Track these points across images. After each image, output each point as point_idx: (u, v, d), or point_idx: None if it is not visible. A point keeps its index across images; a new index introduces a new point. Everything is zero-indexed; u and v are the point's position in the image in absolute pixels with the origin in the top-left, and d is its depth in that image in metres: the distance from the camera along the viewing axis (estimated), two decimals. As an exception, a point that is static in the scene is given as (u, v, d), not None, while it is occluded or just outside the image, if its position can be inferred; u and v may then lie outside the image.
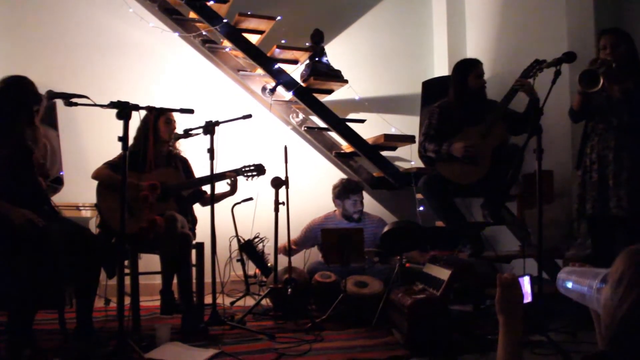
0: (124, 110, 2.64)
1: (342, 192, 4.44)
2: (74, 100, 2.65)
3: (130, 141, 3.42)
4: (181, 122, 3.71)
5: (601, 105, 3.33)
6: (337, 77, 4.98)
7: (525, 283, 1.57)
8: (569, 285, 1.35)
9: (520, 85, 3.69)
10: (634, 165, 3.18)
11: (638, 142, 3.21)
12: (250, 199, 4.26)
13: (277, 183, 3.71)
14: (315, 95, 4.93)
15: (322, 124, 5.07)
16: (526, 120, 3.70)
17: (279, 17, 4.81)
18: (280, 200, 3.71)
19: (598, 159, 3.30)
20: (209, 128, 3.31)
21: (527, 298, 1.57)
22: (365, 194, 4.64)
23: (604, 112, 3.32)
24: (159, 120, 3.63)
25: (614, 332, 1.02)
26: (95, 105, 2.65)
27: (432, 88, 5.11)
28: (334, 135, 5.15)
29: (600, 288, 1.18)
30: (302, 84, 4.91)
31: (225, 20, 4.63)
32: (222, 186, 3.68)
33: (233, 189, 3.71)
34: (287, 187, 3.72)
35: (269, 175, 3.74)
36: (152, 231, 3.17)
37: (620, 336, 1.01)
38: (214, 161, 3.31)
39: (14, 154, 2.83)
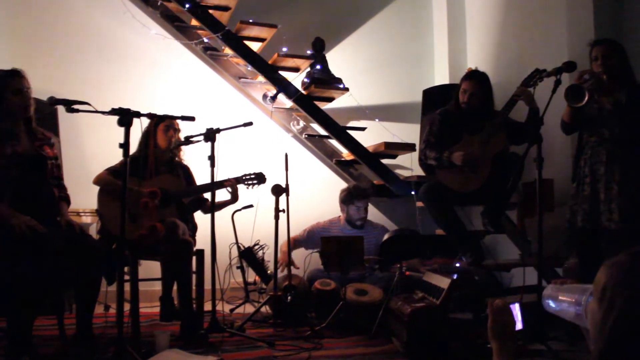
0: (125, 117, 2.64)
1: (347, 197, 4.45)
2: (76, 106, 2.66)
3: (134, 148, 3.46)
4: (182, 129, 3.72)
5: (593, 117, 3.33)
6: (337, 85, 4.99)
7: (516, 310, 1.57)
8: (555, 305, 1.35)
9: (520, 93, 3.71)
10: (624, 178, 3.17)
11: (629, 154, 3.20)
12: (251, 206, 4.26)
13: (278, 190, 3.72)
14: (316, 102, 4.95)
15: (322, 132, 5.08)
16: (526, 130, 3.71)
17: (280, 25, 4.83)
18: (281, 208, 3.71)
19: (590, 172, 3.30)
20: (210, 135, 3.31)
21: (518, 324, 1.58)
22: (365, 201, 4.64)
23: (596, 124, 3.32)
24: (158, 128, 3.64)
25: (604, 345, 1.02)
26: (96, 112, 2.65)
27: (433, 96, 5.12)
28: (334, 142, 5.16)
29: (589, 303, 1.18)
30: (303, 91, 4.92)
31: (226, 28, 4.65)
32: (223, 194, 3.68)
33: (234, 198, 3.71)
34: (287, 195, 3.73)
35: (269, 183, 3.75)
36: (151, 237, 3.17)
37: (610, 349, 1.01)
38: (215, 168, 3.31)
39: (29, 159, 2.86)
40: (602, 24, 4.06)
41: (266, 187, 3.76)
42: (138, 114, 2.72)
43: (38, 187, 2.90)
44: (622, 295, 1.00)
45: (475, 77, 4.00)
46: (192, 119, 3.07)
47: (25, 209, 2.73)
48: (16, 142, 2.85)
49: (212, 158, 3.29)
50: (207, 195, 3.73)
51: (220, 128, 3.35)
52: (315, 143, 5.18)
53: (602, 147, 3.28)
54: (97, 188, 3.47)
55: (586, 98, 3.06)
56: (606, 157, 3.24)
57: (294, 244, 4.41)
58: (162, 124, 3.63)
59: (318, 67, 4.97)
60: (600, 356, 1.03)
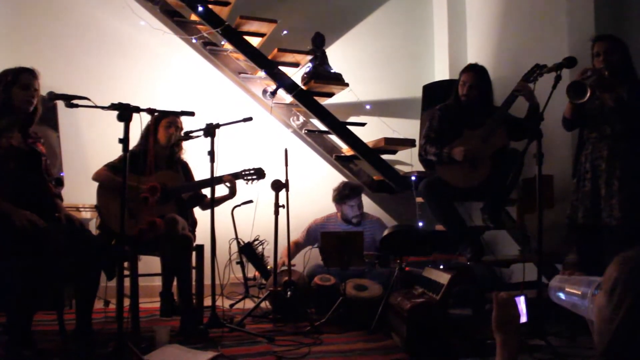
0: (124, 112, 2.64)
1: (338, 197, 4.47)
2: (75, 101, 2.65)
3: (133, 143, 3.45)
4: (184, 127, 3.72)
5: (594, 113, 3.33)
6: (337, 80, 4.98)
7: (521, 303, 1.57)
8: (561, 295, 1.35)
9: (520, 88, 3.70)
10: (625, 174, 3.17)
11: (630, 151, 3.20)
12: (250, 201, 4.26)
13: (278, 186, 3.71)
14: (316, 98, 4.94)
15: (322, 127, 5.07)
16: (526, 126, 3.71)
17: (280, 20, 4.82)
18: (281, 203, 3.71)
19: (591, 168, 3.30)
20: (210, 130, 3.30)
21: (523, 318, 1.57)
22: (365, 197, 4.64)
23: (597, 120, 3.32)
24: (159, 124, 3.64)
25: (610, 340, 1.02)
26: (96, 107, 2.65)
27: (433, 92, 5.11)
28: (334, 138, 5.16)
29: (595, 296, 1.17)
30: (303, 87, 4.92)
31: (226, 23, 4.63)
32: (222, 189, 3.68)
33: (232, 193, 3.70)
34: (287, 190, 3.72)
35: (269, 178, 3.74)
36: (151, 233, 3.17)
37: (616, 344, 1.01)
38: (215, 164, 3.31)
39: (25, 153, 2.85)
40: (603, 20, 4.05)
41: (266, 183, 3.76)
42: (137, 109, 2.72)
43: (36, 182, 2.89)
44: (632, 292, 1.00)
45: (474, 69, 4.00)
46: (191, 114, 3.07)
47: (25, 204, 2.73)
48: (10, 136, 2.85)
49: (211, 153, 3.29)
50: (204, 191, 3.73)
51: (220, 123, 3.35)
52: (315, 138, 5.17)
53: (603, 143, 3.28)
54: (96, 183, 3.47)
55: (588, 95, 3.06)
56: (607, 154, 3.24)
57: (295, 248, 4.42)
58: (165, 120, 3.63)
59: (318, 62, 4.96)
60: (607, 351, 1.02)
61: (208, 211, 3.36)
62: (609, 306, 1.04)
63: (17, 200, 2.73)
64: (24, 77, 2.87)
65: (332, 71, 4.99)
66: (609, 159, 3.23)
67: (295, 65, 5.05)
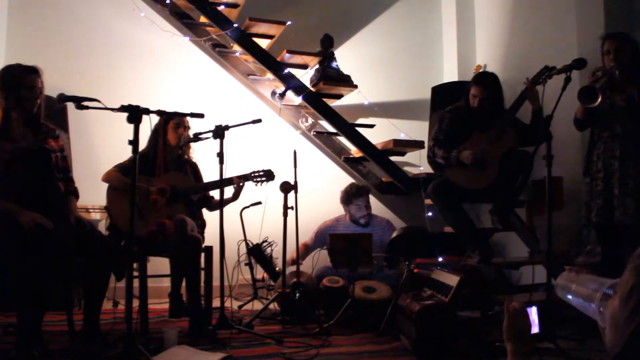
0: (134, 114, 2.65)
1: (345, 197, 4.48)
2: (85, 103, 2.66)
3: (143, 145, 3.47)
4: (191, 126, 3.74)
5: (605, 112, 3.31)
6: (346, 82, 4.99)
7: (533, 313, 1.56)
8: (567, 295, 1.34)
9: (528, 87, 3.68)
10: (639, 173, 3.16)
11: None
12: (259, 203, 4.26)
13: (286, 187, 3.72)
14: (325, 100, 4.95)
15: (331, 129, 5.07)
16: (533, 130, 3.68)
17: (289, 22, 4.84)
18: (289, 205, 3.71)
19: (604, 167, 3.29)
20: (219, 132, 3.31)
21: (535, 328, 1.56)
22: (374, 199, 4.63)
23: (608, 119, 3.31)
24: (167, 125, 3.65)
25: (623, 346, 1.00)
26: (106, 108, 2.66)
27: (442, 93, 5.11)
28: (343, 140, 5.16)
29: (606, 297, 1.16)
30: (312, 88, 4.92)
31: (235, 25, 4.65)
32: (230, 191, 3.69)
33: (235, 195, 3.70)
34: (296, 192, 3.73)
35: (277, 180, 3.75)
36: (160, 234, 3.18)
37: (629, 351, 0.99)
38: (224, 165, 3.32)
39: (32, 153, 2.86)
40: (613, 21, 4.03)
41: (275, 184, 3.76)
42: (147, 111, 2.73)
43: (43, 183, 2.90)
44: None
45: (484, 82, 3.90)
46: (201, 116, 3.08)
47: (31, 206, 2.74)
48: (19, 137, 2.86)
49: (221, 155, 3.29)
50: (213, 193, 3.74)
51: (229, 125, 3.36)
52: (323, 140, 5.17)
53: (615, 142, 3.28)
54: (106, 184, 3.48)
55: (599, 99, 3.04)
56: (620, 153, 3.24)
57: (305, 250, 4.42)
58: (172, 121, 3.64)
59: (326, 64, 4.96)
60: (619, 357, 1.01)
61: (217, 212, 3.37)
62: (624, 312, 1.02)
63: (24, 202, 2.74)
64: (28, 79, 2.89)
65: (340, 73, 4.99)
66: (622, 158, 3.22)
67: (304, 67, 5.05)
